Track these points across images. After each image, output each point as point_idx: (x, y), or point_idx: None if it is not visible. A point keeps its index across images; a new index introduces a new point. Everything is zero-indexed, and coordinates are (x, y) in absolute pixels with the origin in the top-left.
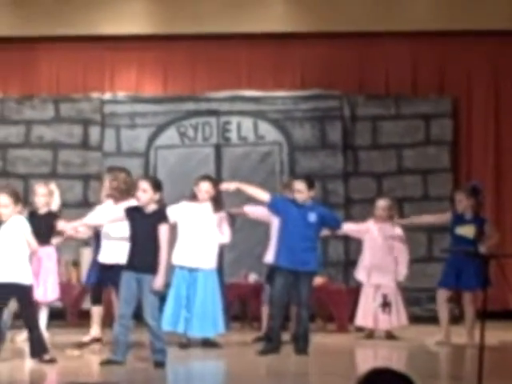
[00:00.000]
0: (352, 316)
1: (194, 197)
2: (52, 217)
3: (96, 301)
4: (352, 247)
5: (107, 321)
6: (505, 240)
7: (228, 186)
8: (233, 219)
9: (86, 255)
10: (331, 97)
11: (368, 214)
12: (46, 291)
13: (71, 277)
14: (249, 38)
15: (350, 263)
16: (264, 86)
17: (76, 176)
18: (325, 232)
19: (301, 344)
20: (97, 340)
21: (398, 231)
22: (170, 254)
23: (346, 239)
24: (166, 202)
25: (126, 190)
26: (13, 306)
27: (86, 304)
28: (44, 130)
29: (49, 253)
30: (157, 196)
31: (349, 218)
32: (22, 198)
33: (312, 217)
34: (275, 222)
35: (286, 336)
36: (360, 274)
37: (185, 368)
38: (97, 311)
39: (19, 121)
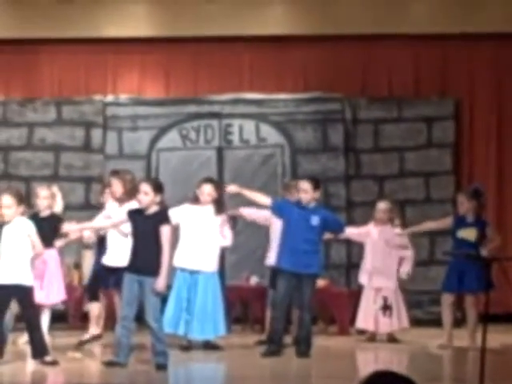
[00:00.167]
0: (353, 319)
1: (196, 199)
2: (55, 219)
3: (92, 298)
4: (354, 250)
5: (109, 323)
6: (507, 242)
7: (230, 188)
8: (234, 222)
9: (88, 258)
10: (333, 99)
11: (369, 216)
12: (50, 293)
13: (73, 279)
14: (251, 41)
15: (352, 266)
16: (266, 89)
17: (78, 178)
18: (327, 235)
19: (303, 347)
20: (97, 337)
21: (399, 232)
22: (172, 256)
23: (349, 242)
24: (168, 204)
25: (131, 192)
26: (14, 307)
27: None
28: (46, 132)
29: (52, 255)
30: (158, 198)
31: (350, 220)
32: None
33: (315, 220)
34: (275, 225)
35: (287, 339)
36: (362, 278)
37: (186, 370)
38: (94, 308)
39: (21, 123)
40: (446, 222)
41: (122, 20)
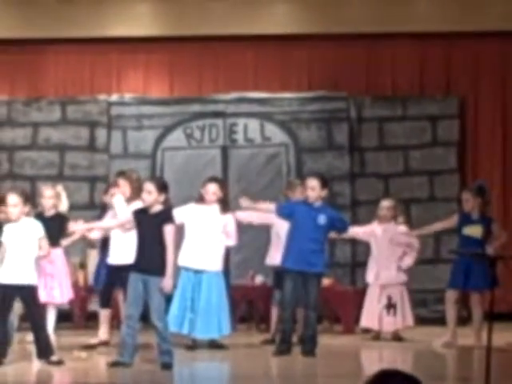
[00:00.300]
0: (358, 318)
1: (201, 199)
2: (61, 219)
3: (105, 304)
4: (359, 249)
5: (114, 323)
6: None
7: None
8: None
9: (93, 257)
10: (338, 98)
11: (374, 215)
12: (57, 293)
13: (78, 279)
14: (255, 40)
15: (357, 265)
16: (270, 88)
17: (83, 178)
18: (332, 234)
19: (308, 346)
20: (104, 343)
21: (403, 229)
22: (177, 255)
23: (353, 241)
24: (173, 203)
25: (137, 192)
26: (19, 307)
27: (93, 306)
28: (51, 132)
29: (58, 255)
30: (162, 197)
31: (355, 219)
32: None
33: (322, 219)
34: (276, 225)
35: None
36: (369, 277)
37: (191, 370)
38: (105, 314)
39: (26, 123)
40: (452, 221)
41: (127, 20)
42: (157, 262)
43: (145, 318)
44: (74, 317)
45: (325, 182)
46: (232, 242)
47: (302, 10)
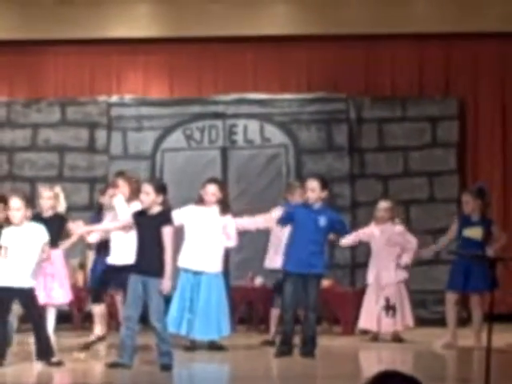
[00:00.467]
0: (358, 319)
1: (200, 200)
2: (59, 220)
3: (96, 300)
4: (359, 250)
5: (113, 324)
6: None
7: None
8: None
9: (92, 258)
10: (337, 99)
11: (373, 216)
12: (57, 294)
13: (77, 280)
14: (255, 41)
15: (357, 266)
16: (270, 89)
17: (82, 179)
18: (331, 237)
19: (307, 347)
20: (101, 338)
21: (400, 229)
22: (176, 257)
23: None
24: (172, 205)
25: (136, 193)
26: (18, 308)
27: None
28: (50, 133)
29: (57, 255)
30: (160, 198)
31: (355, 220)
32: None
33: (322, 221)
34: (276, 229)
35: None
36: (369, 278)
37: (190, 371)
38: (98, 310)
39: (26, 124)
40: (453, 230)
41: (126, 21)
42: (156, 263)
43: (144, 319)
44: (74, 318)
45: (325, 184)
46: (232, 243)
47: (301, 11)
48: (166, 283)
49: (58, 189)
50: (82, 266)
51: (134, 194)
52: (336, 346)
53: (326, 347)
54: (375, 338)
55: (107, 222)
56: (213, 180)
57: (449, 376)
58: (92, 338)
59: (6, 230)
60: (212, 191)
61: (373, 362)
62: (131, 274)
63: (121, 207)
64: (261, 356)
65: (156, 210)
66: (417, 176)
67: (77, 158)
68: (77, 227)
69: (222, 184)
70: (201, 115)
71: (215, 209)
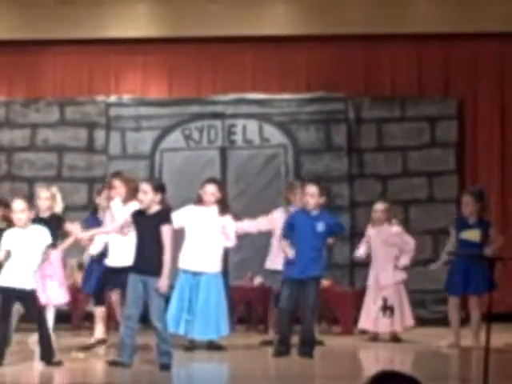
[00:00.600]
0: (357, 319)
1: (199, 200)
2: (56, 220)
3: (98, 302)
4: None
5: (111, 324)
6: (510, 241)
7: None
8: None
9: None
10: (336, 99)
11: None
12: (54, 295)
13: (77, 280)
14: (254, 41)
15: (356, 266)
16: (269, 89)
17: (81, 179)
18: (329, 241)
19: (306, 347)
20: (101, 341)
21: (397, 230)
22: (175, 256)
23: (352, 242)
24: (171, 204)
25: (133, 193)
26: (17, 309)
27: (91, 307)
28: (49, 133)
29: (55, 256)
30: (158, 197)
31: (353, 220)
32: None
33: (320, 226)
34: (278, 230)
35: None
36: (369, 279)
37: (189, 370)
38: (100, 312)
39: (24, 124)
40: (453, 235)
41: (125, 21)
42: (155, 262)
43: (144, 318)
44: (73, 318)
45: (324, 190)
46: (231, 243)
47: (300, 11)
48: (162, 282)
49: (54, 189)
50: (81, 266)
51: (131, 194)
52: (335, 345)
53: (325, 347)
54: (374, 337)
55: (106, 226)
56: (212, 180)
57: (448, 376)
58: (92, 340)
59: (10, 232)
60: (211, 191)
61: (372, 361)
62: (131, 274)
63: (118, 211)
64: (260, 356)
65: (154, 209)
66: (416, 176)
67: (75, 158)
68: (77, 230)
69: (221, 184)
70: (200, 115)
71: (214, 209)
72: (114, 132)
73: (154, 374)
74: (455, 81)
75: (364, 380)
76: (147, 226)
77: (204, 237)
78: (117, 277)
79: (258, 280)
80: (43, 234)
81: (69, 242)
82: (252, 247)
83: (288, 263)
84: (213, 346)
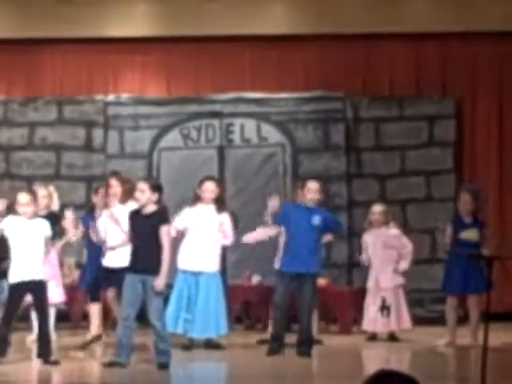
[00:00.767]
0: (355, 318)
1: (197, 199)
2: (54, 218)
3: (94, 299)
4: (355, 250)
5: (107, 323)
6: (508, 241)
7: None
8: (236, 220)
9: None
10: (334, 98)
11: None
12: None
13: (74, 279)
14: (252, 40)
15: (354, 265)
16: (267, 88)
17: (79, 178)
18: (327, 237)
19: (304, 346)
20: (97, 337)
21: (395, 232)
22: (174, 256)
23: (350, 241)
24: (169, 204)
25: (129, 192)
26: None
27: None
28: (47, 131)
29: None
30: (155, 196)
31: (352, 219)
32: None
33: (316, 219)
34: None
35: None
36: (369, 282)
37: (187, 369)
38: (95, 309)
39: (23, 123)
40: (449, 235)
41: (124, 20)
42: (154, 261)
43: (141, 318)
44: (71, 316)
45: (323, 187)
46: (228, 241)
47: (298, 10)
48: (159, 281)
49: (51, 188)
50: (79, 264)
51: (128, 193)
52: (333, 345)
53: (323, 346)
54: (372, 337)
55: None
56: (210, 177)
57: (446, 375)
58: (88, 337)
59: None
60: (210, 188)
61: (370, 361)
62: (128, 274)
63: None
64: (258, 355)
65: (151, 208)
66: (414, 175)
67: (74, 157)
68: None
69: (220, 181)
70: (198, 114)
71: (211, 207)
72: (112, 131)
73: (152, 374)
74: (453, 80)
75: (362, 379)
76: (144, 225)
77: (202, 236)
78: (113, 276)
79: (255, 279)
80: (45, 226)
81: (65, 239)
82: (250, 246)
83: (286, 258)
84: (211, 345)
